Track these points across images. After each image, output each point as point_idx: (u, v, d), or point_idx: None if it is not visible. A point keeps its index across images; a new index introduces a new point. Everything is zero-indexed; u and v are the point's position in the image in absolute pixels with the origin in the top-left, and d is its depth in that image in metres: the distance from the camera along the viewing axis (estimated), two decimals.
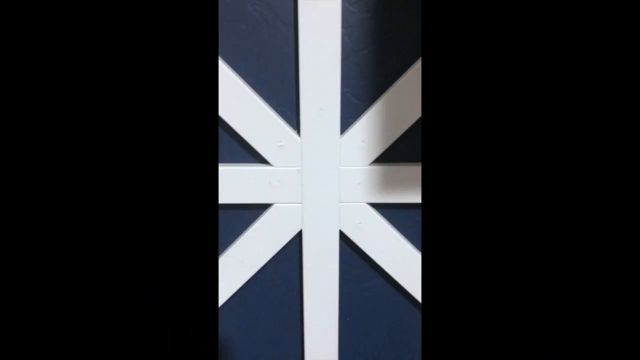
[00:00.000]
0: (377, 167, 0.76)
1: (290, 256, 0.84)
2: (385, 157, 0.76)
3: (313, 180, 0.76)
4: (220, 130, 0.76)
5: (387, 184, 0.77)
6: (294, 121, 0.75)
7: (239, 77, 0.73)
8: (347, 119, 0.75)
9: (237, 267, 0.82)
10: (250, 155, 0.77)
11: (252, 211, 0.80)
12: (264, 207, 0.79)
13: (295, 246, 0.83)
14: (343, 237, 0.81)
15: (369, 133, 0.74)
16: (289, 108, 0.75)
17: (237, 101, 0.72)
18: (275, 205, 0.78)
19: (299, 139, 0.74)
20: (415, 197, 0.77)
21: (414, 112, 0.73)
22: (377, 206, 0.80)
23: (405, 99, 0.72)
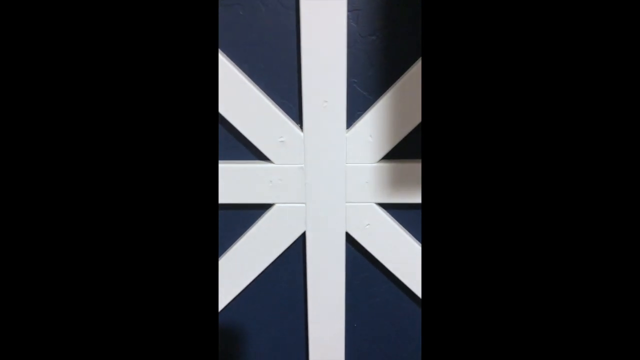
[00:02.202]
0: (386, 165, 0.75)
1: (293, 260, 0.83)
2: (395, 154, 0.74)
3: (317, 179, 0.75)
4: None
5: (397, 182, 0.75)
6: (296, 115, 0.74)
7: (236, 67, 0.71)
8: (354, 112, 0.74)
9: (237, 270, 0.81)
10: (249, 151, 0.76)
11: (252, 211, 0.79)
12: (265, 207, 0.78)
13: (298, 249, 0.82)
14: (349, 239, 0.80)
15: (377, 127, 0.72)
16: (290, 100, 0.73)
17: (235, 93, 0.71)
18: (276, 205, 0.77)
19: (301, 134, 0.73)
20: None
21: None
22: (386, 206, 0.78)
23: (417, 90, 0.70)
